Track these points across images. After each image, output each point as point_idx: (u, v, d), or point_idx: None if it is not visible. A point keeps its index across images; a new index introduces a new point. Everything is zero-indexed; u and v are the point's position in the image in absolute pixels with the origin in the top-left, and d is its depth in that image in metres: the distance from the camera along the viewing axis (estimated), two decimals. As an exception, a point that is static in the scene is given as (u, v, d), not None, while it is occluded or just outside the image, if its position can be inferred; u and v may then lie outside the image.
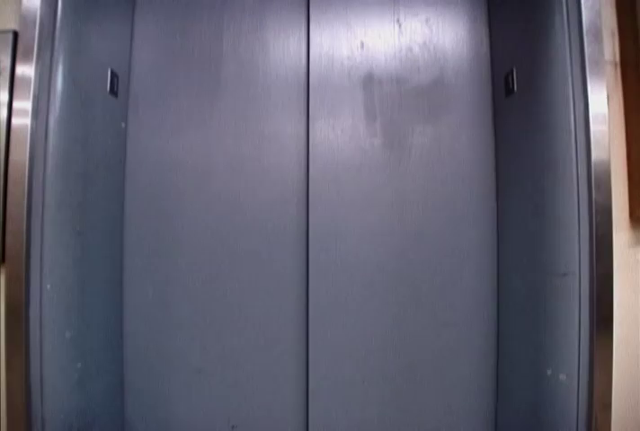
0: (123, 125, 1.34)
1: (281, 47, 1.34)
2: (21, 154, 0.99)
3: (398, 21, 1.34)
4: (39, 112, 1.01)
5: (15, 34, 1.02)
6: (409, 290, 1.29)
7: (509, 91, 1.25)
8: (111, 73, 1.26)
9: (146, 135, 1.33)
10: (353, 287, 1.29)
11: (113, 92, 1.27)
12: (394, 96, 1.33)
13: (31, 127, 1.00)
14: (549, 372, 1.07)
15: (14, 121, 1.00)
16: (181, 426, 1.30)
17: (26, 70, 1.00)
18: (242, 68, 1.34)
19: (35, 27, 1.01)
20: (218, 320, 1.30)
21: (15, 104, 1.00)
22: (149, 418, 1.30)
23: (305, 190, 1.30)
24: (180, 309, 1.30)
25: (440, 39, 1.34)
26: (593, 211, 0.99)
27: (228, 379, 1.29)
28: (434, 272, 1.30)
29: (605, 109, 1.01)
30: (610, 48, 1.10)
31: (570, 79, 1.04)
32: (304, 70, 1.33)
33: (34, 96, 1.00)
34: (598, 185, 1.00)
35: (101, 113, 1.22)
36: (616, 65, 1.10)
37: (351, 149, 1.31)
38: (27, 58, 1.00)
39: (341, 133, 1.31)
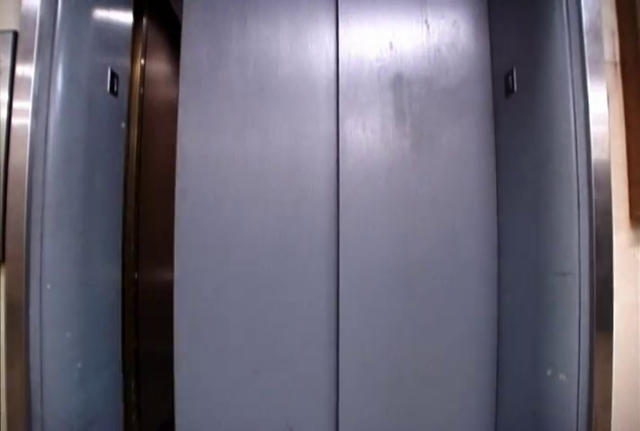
0: (123, 125, 1.34)
1: (309, 49, 1.34)
2: (21, 154, 0.99)
3: (426, 22, 1.35)
4: (39, 112, 1.01)
5: (15, 34, 1.02)
6: (420, 291, 1.29)
7: (508, 90, 1.25)
8: (111, 73, 1.26)
9: (194, 135, 1.31)
10: (381, 287, 1.28)
11: (113, 92, 1.27)
12: (423, 97, 1.33)
13: (31, 127, 1.00)
14: (549, 372, 1.07)
15: (14, 121, 1.00)
16: (238, 427, 1.28)
17: (26, 70, 1.00)
18: (264, 70, 1.33)
19: (35, 27, 1.01)
20: (264, 318, 1.29)
21: (15, 104, 1.00)
22: (204, 421, 1.28)
23: (335, 190, 1.30)
24: (235, 309, 1.28)
25: (462, 39, 1.35)
26: (593, 211, 0.99)
27: (284, 380, 1.28)
28: (444, 273, 1.30)
29: (605, 109, 1.01)
30: (610, 48, 1.09)
31: (570, 79, 1.04)
32: (333, 71, 1.33)
33: (34, 96, 1.00)
34: (598, 185, 1.00)
35: (101, 113, 1.22)
36: (616, 65, 1.10)
37: (381, 149, 1.31)
38: (27, 58, 1.00)
39: (371, 134, 1.31)
